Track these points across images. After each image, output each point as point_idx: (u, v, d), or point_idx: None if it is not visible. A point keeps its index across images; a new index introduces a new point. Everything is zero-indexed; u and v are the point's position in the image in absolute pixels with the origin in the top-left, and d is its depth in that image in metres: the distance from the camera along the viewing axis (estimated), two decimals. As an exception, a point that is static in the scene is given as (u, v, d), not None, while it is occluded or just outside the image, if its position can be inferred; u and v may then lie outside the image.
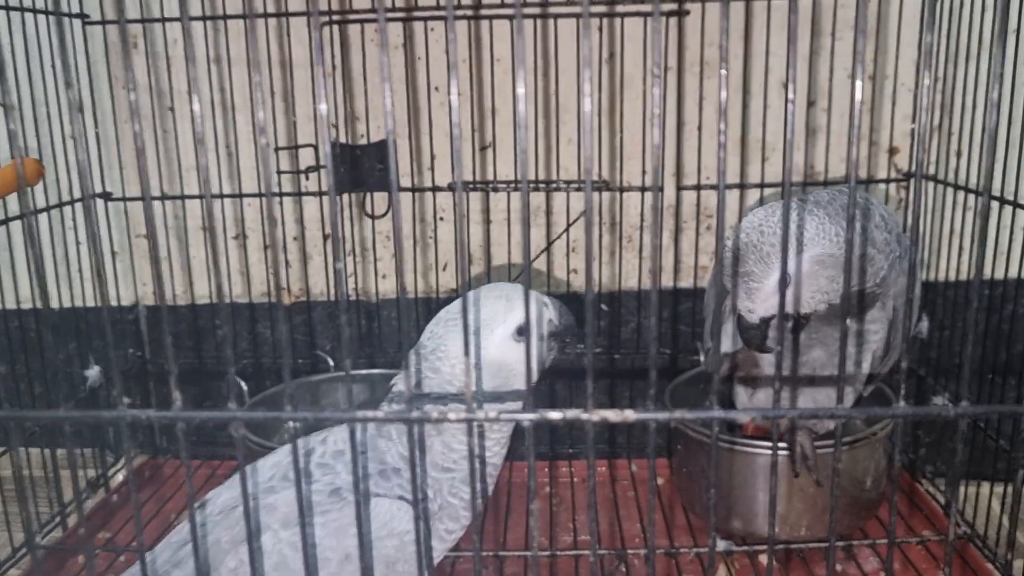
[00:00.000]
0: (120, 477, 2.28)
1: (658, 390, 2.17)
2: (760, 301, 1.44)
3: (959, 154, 2.07)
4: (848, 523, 1.87)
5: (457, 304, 1.25)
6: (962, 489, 2.01)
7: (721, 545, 1.86)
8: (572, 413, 0.89)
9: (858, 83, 0.84)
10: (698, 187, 2.19)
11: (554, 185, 2.20)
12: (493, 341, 1.19)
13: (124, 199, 2.25)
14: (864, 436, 1.80)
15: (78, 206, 2.13)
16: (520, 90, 0.82)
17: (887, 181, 2.19)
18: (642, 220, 2.24)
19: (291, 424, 0.94)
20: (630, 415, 0.88)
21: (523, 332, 1.17)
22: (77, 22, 2.13)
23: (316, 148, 2.19)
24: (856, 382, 1.70)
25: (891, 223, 1.52)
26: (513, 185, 2.20)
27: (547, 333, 1.24)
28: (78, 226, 2.23)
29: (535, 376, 1.20)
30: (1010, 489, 2.04)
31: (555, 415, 0.88)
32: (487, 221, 2.25)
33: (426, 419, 0.90)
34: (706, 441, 1.86)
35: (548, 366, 1.28)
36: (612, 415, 0.88)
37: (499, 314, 1.20)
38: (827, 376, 1.67)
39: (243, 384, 2.24)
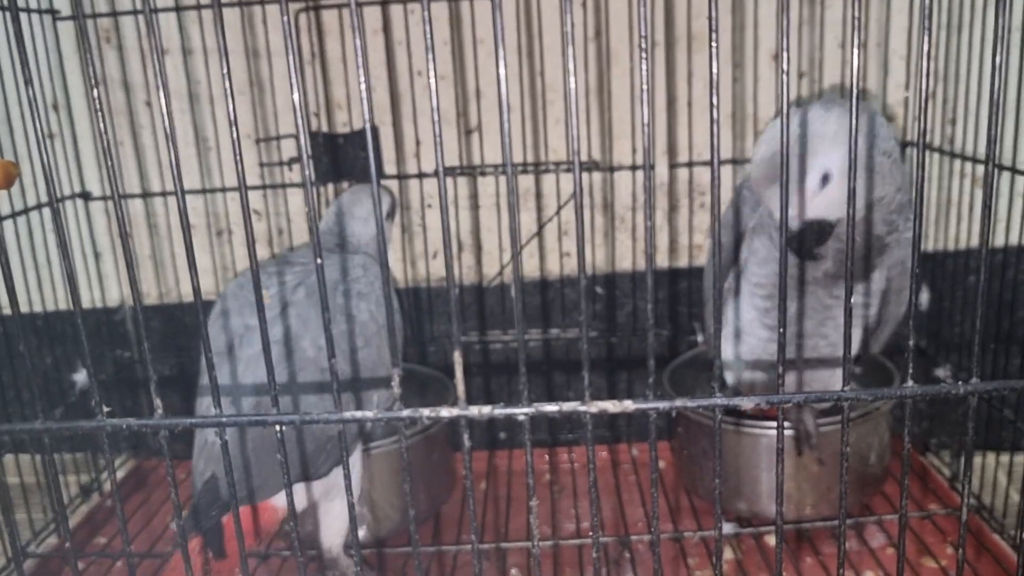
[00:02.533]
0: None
1: (657, 375, 2.15)
2: (800, 202, 1.36)
3: (953, 122, 2.03)
4: (853, 500, 1.84)
5: (348, 197, 1.82)
6: (967, 461, 1.98)
7: (727, 528, 1.83)
8: (570, 406, 0.85)
9: (855, 52, 0.80)
10: (690, 164, 2.15)
11: (543, 167, 2.15)
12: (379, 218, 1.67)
13: (104, 198, 2.20)
14: (867, 412, 1.77)
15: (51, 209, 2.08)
16: (502, 70, 0.78)
17: (881, 151, 2.15)
18: (634, 200, 2.20)
19: (278, 428, 0.90)
20: (629, 405, 0.85)
21: (390, 215, 1.92)
22: (48, 18, 2.07)
23: (297, 138, 2.14)
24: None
25: (898, 171, 1.48)
26: (500, 169, 2.16)
27: (387, 210, 1.92)
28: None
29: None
30: (1017, 459, 2.02)
31: (552, 408, 0.85)
32: (475, 207, 2.21)
33: (416, 418, 0.86)
34: (707, 423, 1.84)
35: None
36: (611, 406, 0.85)
37: (359, 202, 1.80)
38: (825, 354, 1.64)
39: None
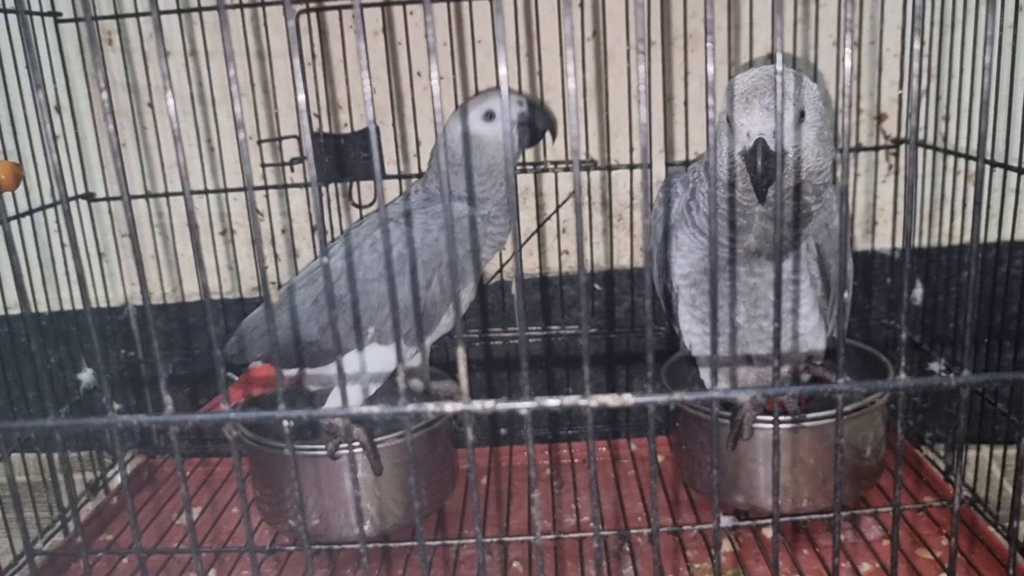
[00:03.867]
0: (119, 479, 2.26)
1: (655, 370, 2.17)
2: (778, 127, 1.34)
3: (947, 119, 2.05)
4: (849, 492, 1.87)
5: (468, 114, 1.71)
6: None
7: (725, 521, 1.85)
8: (570, 400, 0.87)
9: (847, 50, 0.82)
10: (687, 163, 2.18)
11: (541, 166, 2.18)
12: (470, 120, 1.67)
13: (107, 199, 2.22)
14: (863, 406, 1.79)
15: (60, 208, 2.10)
16: (503, 71, 0.80)
17: (876, 148, 2.17)
18: (632, 198, 2.22)
19: (285, 423, 0.92)
20: (629, 399, 0.87)
21: (490, 116, 1.65)
22: (50, 20, 2.08)
23: (299, 139, 2.16)
24: (801, 346, 1.65)
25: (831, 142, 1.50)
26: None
27: (516, 120, 1.69)
28: (62, 229, 2.20)
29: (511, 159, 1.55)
30: (1010, 452, 2.05)
31: (553, 402, 0.87)
32: (476, 206, 2.23)
33: (421, 412, 0.88)
34: (705, 418, 1.86)
35: (517, 148, 1.78)
36: (611, 400, 0.87)
37: (474, 104, 1.68)
38: (765, 338, 1.63)
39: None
